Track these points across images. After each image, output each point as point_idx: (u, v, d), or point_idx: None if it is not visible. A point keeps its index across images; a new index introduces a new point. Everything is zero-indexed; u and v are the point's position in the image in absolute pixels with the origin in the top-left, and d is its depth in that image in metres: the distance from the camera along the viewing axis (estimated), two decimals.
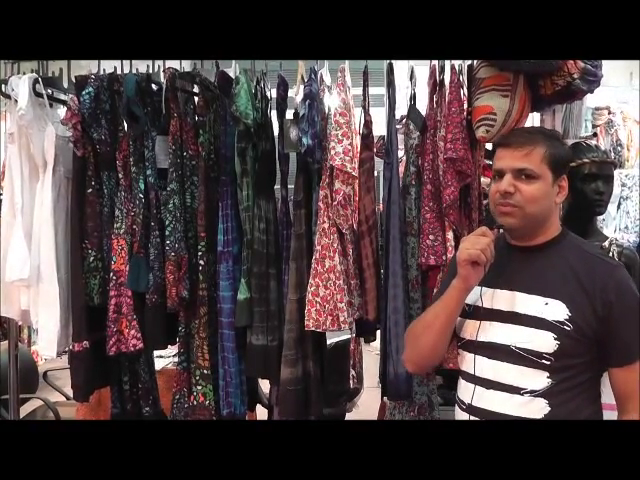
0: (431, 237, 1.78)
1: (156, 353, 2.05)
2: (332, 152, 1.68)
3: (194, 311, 1.78)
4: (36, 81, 1.82)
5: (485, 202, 2.02)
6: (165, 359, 2.37)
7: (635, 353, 1.02)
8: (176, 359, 1.83)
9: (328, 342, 1.88)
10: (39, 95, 1.83)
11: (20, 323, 2.11)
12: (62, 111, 1.91)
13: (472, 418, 1.09)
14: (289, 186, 1.86)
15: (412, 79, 1.85)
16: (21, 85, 1.80)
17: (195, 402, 1.77)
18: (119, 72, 1.82)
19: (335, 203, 1.71)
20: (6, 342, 2.18)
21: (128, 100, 1.73)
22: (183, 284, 1.71)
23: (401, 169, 1.90)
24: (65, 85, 1.92)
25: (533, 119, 2.25)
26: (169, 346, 1.89)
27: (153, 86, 1.82)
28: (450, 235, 1.79)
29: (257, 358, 1.76)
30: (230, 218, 1.77)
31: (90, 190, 1.80)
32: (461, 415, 1.13)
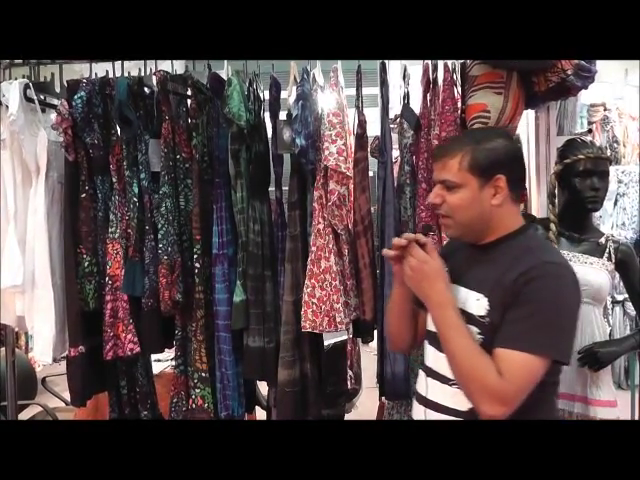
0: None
1: (154, 357, 2.04)
2: (326, 152, 1.68)
3: (190, 314, 1.77)
4: (27, 86, 1.81)
5: None
6: (163, 363, 2.36)
7: (519, 341, 0.96)
8: (174, 362, 1.82)
9: (325, 343, 1.88)
10: (30, 100, 1.82)
11: (17, 329, 2.10)
12: (54, 116, 1.90)
13: (417, 405, 1.14)
14: (283, 187, 1.85)
15: (405, 78, 1.85)
16: (12, 90, 1.79)
17: (194, 405, 1.77)
18: (111, 76, 1.81)
19: (330, 204, 1.71)
20: (3, 349, 2.17)
21: (120, 103, 1.73)
22: (176, 287, 1.70)
23: (395, 168, 1.90)
24: (57, 90, 1.91)
25: (527, 116, 2.25)
26: (167, 349, 1.88)
27: (145, 89, 1.82)
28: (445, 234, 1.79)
29: (254, 360, 1.76)
30: (225, 220, 1.76)
31: (84, 195, 1.80)
32: (414, 403, 1.16)
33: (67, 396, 1.92)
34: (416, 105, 1.87)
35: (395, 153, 2.03)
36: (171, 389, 1.81)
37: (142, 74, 1.84)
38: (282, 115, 1.80)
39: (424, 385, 1.12)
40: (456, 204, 1.04)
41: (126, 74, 1.81)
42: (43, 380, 2.74)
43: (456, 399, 1.03)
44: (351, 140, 1.83)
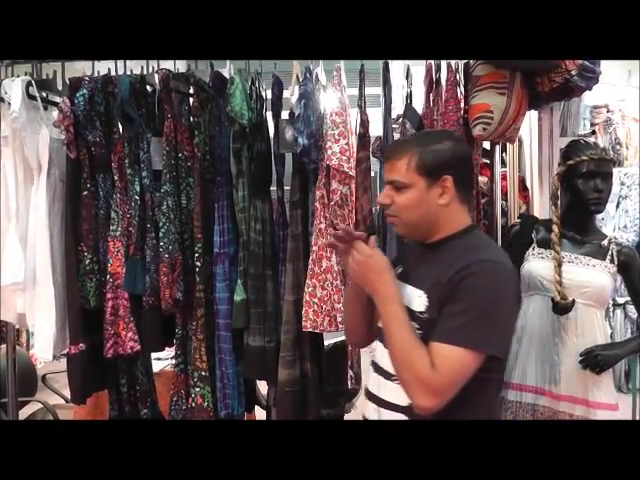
0: None
1: (154, 355, 2.04)
2: (329, 152, 1.67)
3: (191, 313, 1.77)
4: (29, 84, 1.81)
5: (483, 201, 2.02)
6: (163, 361, 2.36)
7: (452, 335, 0.98)
8: (174, 361, 1.82)
9: (326, 343, 1.87)
10: (33, 98, 1.81)
11: (17, 327, 2.10)
12: (57, 113, 1.90)
13: (366, 400, 1.15)
14: (285, 187, 1.85)
15: (408, 78, 1.84)
16: (14, 88, 1.79)
17: (193, 404, 1.76)
18: (113, 74, 1.81)
19: (332, 203, 1.70)
20: (4, 346, 2.17)
21: (122, 102, 1.72)
22: (177, 286, 1.70)
23: None
24: (59, 87, 1.91)
25: (530, 117, 2.25)
26: (167, 348, 1.88)
27: (147, 87, 1.81)
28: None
29: (254, 359, 1.76)
30: (226, 219, 1.76)
31: (85, 192, 1.79)
32: (366, 398, 1.17)
33: (67, 393, 1.92)
34: (419, 105, 1.86)
35: None
36: (171, 387, 1.81)
37: (144, 72, 1.84)
38: (284, 114, 1.80)
39: (371, 381, 1.15)
40: (404, 204, 1.07)
41: (128, 72, 1.81)
42: (43, 377, 2.74)
43: (396, 394, 1.05)
44: (353, 140, 1.82)
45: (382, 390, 1.10)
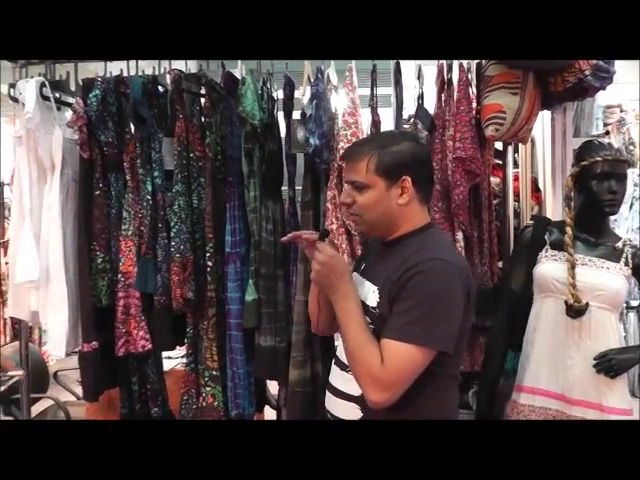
0: None
1: (164, 354, 2.05)
2: (341, 152, 1.67)
3: (202, 312, 1.78)
4: (43, 84, 1.83)
5: (495, 202, 2.00)
6: (174, 360, 2.37)
7: (400, 332, 1.03)
8: (185, 360, 1.83)
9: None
10: (46, 98, 1.83)
11: (30, 324, 2.12)
12: (69, 114, 1.92)
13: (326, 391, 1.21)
14: (296, 187, 1.85)
15: (420, 78, 1.84)
16: (28, 89, 1.80)
17: (204, 403, 1.77)
18: (125, 74, 1.82)
19: None
20: (17, 343, 2.19)
21: (135, 102, 1.74)
22: (188, 285, 1.71)
23: None
24: (72, 88, 1.92)
25: (543, 117, 2.22)
26: (177, 347, 1.89)
27: (159, 88, 1.82)
28: (459, 236, 1.78)
29: (265, 359, 1.76)
30: (237, 219, 1.76)
31: (98, 192, 1.81)
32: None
33: (79, 390, 1.94)
34: (430, 105, 1.85)
35: None
36: (182, 387, 1.82)
37: (156, 73, 1.85)
38: (296, 114, 1.80)
39: (331, 373, 1.22)
40: (365, 204, 1.11)
41: (140, 73, 1.82)
42: (55, 374, 2.77)
43: (350, 385, 1.11)
44: None
45: (338, 380, 1.17)
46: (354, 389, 1.10)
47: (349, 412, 1.13)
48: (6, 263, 3.40)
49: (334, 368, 1.20)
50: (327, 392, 1.21)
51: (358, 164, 1.11)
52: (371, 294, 1.11)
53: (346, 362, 1.11)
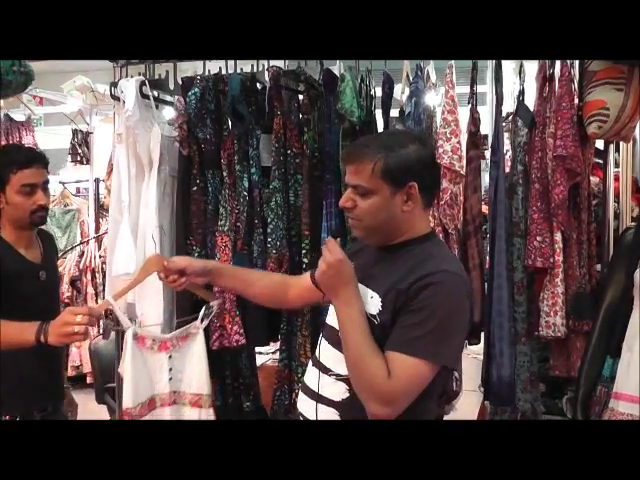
0: (538, 238, 1.72)
1: (256, 349, 2.07)
2: (440, 150, 1.65)
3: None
4: (143, 83, 1.88)
5: (594, 202, 1.94)
6: (264, 355, 2.39)
7: (410, 346, 0.98)
8: (275, 356, 1.84)
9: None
10: (146, 97, 1.88)
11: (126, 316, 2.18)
12: (168, 112, 1.97)
13: (301, 392, 1.17)
14: None
15: (521, 74, 1.79)
16: (129, 87, 1.86)
17: (297, 399, 1.77)
18: (224, 72, 1.85)
19: (442, 202, 1.68)
20: (113, 333, 2.25)
21: (233, 99, 1.76)
22: None
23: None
24: (171, 87, 1.97)
25: None
26: (271, 343, 1.91)
27: (257, 85, 1.85)
28: (558, 236, 1.73)
29: None
30: (333, 216, 1.76)
31: (195, 188, 1.85)
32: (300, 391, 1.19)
33: None
34: (530, 102, 1.81)
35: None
36: (274, 382, 1.83)
37: (255, 70, 1.87)
38: (393, 112, 1.79)
39: (308, 374, 1.16)
40: (367, 209, 1.05)
41: (239, 70, 1.84)
42: None
43: (331, 389, 1.07)
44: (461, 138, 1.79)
45: (318, 384, 1.10)
46: (335, 394, 1.06)
47: (326, 417, 1.08)
48: (100, 256, 3.53)
49: (313, 370, 1.14)
50: (301, 394, 1.16)
51: (363, 167, 1.04)
52: (369, 299, 1.05)
53: (328, 365, 1.09)
